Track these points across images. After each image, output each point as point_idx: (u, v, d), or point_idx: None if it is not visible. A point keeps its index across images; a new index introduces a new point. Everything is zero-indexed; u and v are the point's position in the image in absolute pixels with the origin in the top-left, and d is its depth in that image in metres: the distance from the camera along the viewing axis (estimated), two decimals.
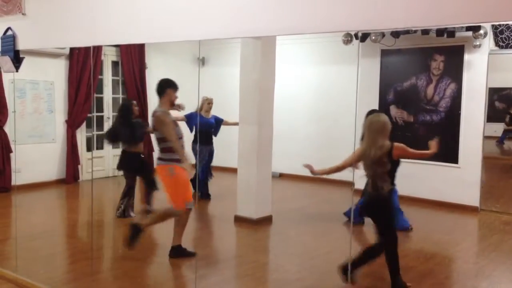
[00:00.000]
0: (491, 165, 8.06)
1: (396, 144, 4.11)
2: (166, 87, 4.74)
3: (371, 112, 5.06)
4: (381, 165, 4.05)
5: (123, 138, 6.22)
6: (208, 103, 7.48)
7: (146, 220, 4.93)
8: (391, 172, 4.12)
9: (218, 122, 7.58)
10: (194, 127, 7.25)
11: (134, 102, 6.55)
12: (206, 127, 7.39)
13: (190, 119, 7.25)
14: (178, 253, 4.79)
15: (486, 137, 7.28)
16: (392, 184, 4.17)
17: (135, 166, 6.26)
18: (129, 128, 6.10)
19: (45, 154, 8.30)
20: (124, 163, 6.29)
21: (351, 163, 4.28)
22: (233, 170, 6.78)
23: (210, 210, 7.26)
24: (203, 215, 6.79)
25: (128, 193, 6.29)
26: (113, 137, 6.40)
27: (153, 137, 6.08)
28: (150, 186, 6.19)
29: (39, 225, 5.97)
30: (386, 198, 4.14)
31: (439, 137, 4.61)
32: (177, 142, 4.62)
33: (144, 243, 5.40)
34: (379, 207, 4.18)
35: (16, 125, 7.22)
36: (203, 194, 7.46)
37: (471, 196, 7.18)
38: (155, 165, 4.85)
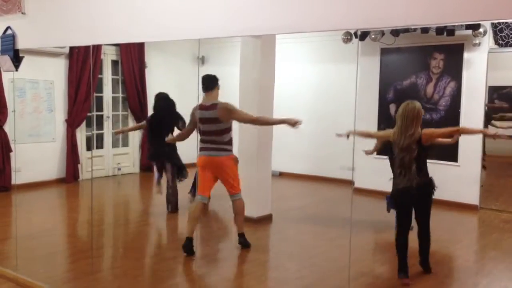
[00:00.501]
0: (491, 164, 8.05)
1: (424, 130, 4.26)
2: (217, 82, 5.01)
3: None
4: (409, 152, 4.22)
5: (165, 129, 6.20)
6: None
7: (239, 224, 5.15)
8: (420, 159, 4.29)
9: None
10: None
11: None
12: None
13: None
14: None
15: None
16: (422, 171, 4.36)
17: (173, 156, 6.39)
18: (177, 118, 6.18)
19: (45, 153, 8.30)
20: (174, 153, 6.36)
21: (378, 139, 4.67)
22: None
23: (210, 209, 7.26)
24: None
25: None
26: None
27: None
28: (180, 174, 6.44)
29: (39, 224, 5.98)
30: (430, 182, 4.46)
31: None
32: (261, 118, 5.23)
33: (144, 242, 5.41)
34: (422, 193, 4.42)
35: (16, 125, 7.22)
36: None
37: (471, 194, 7.18)
38: (216, 156, 4.89)
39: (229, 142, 4.94)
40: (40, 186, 8.05)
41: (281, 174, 9.48)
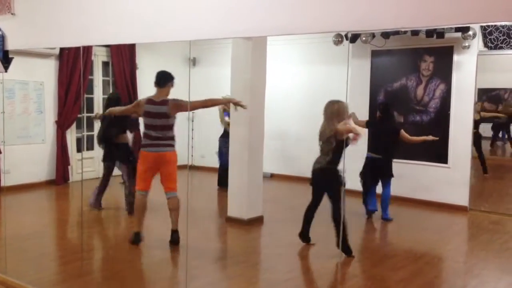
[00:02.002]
0: (480, 165, 8.12)
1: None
2: (170, 79, 5.08)
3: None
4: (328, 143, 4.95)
5: (119, 130, 6.37)
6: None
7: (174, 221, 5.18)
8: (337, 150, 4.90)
9: None
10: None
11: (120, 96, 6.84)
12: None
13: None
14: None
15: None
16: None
17: (126, 156, 6.45)
18: (123, 119, 6.23)
19: (34, 155, 8.25)
20: (115, 154, 6.43)
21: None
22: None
23: (202, 211, 7.25)
24: (195, 216, 6.77)
25: (106, 185, 6.58)
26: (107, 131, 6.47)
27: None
28: (133, 176, 6.37)
29: (28, 226, 5.93)
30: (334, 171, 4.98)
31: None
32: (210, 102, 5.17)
33: (134, 244, 5.39)
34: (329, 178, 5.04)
35: (5, 126, 7.15)
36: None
37: (460, 195, 7.23)
38: (161, 152, 5.00)
39: (174, 138, 5.07)
40: (29, 188, 7.99)
41: (272, 176, 9.49)
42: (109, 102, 6.49)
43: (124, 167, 6.45)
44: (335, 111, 5.02)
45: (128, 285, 4.28)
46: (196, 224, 6.01)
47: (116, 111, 5.65)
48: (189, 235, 4.98)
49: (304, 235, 5.33)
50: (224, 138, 7.84)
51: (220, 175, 8.24)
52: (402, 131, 6.46)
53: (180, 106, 4.96)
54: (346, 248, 4.92)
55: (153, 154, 4.99)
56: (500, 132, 8.73)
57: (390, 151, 6.49)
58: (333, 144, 4.92)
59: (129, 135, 7.05)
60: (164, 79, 5.07)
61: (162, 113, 4.93)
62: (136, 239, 5.15)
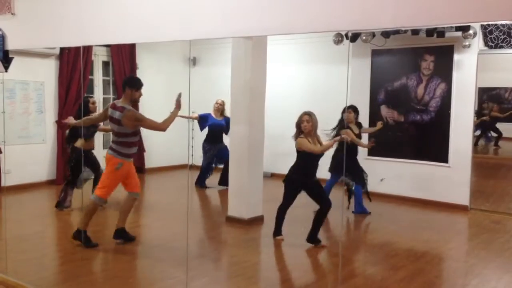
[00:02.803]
0: (481, 165, 8.12)
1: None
2: (125, 85, 5.05)
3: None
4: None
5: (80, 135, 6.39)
6: (216, 103, 8.16)
7: (81, 221, 5.21)
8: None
9: (229, 123, 7.72)
10: (205, 127, 8.17)
11: (92, 98, 6.79)
12: (214, 128, 8.13)
13: (201, 119, 8.06)
14: (121, 235, 5.30)
15: (476, 137, 7.35)
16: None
17: (89, 162, 6.64)
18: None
19: (35, 155, 8.25)
20: (79, 159, 6.42)
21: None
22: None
23: (202, 210, 7.25)
24: (194, 215, 6.78)
25: (71, 187, 6.71)
26: (72, 135, 6.56)
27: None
28: (97, 181, 6.48)
29: (29, 226, 5.93)
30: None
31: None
32: (166, 124, 5.02)
33: (134, 244, 5.39)
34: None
35: (6, 126, 7.15)
36: (203, 184, 8.32)
37: (461, 195, 7.22)
38: (105, 154, 5.14)
39: (123, 144, 5.02)
40: (30, 188, 8.00)
41: (273, 175, 9.48)
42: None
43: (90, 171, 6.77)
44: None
45: (129, 285, 4.28)
46: (196, 224, 6.01)
47: (84, 121, 5.74)
48: (189, 235, 4.98)
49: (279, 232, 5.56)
50: (204, 142, 8.21)
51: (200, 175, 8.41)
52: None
53: (135, 119, 4.92)
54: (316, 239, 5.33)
55: (109, 156, 5.09)
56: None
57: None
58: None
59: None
60: (124, 85, 5.08)
61: (117, 119, 4.94)
62: (79, 237, 5.14)
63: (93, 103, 6.51)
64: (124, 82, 5.12)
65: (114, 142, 5.05)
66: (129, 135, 5.01)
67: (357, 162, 6.71)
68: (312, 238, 5.33)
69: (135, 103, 5.19)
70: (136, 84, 5.05)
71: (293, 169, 5.60)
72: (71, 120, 5.84)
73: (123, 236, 5.30)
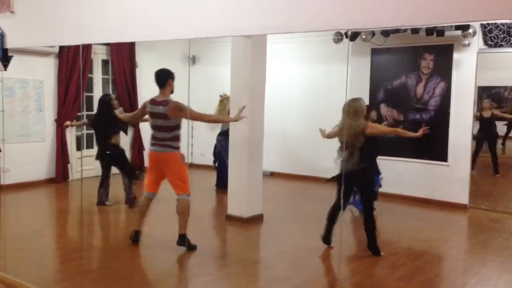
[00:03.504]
0: (480, 163, 8.12)
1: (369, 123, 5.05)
2: (168, 78, 4.95)
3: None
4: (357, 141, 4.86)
5: (107, 131, 6.57)
6: (220, 100, 8.09)
7: (181, 225, 5.04)
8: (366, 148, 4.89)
9: None
10: None
11: (113, 96, 6.99)
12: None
13: None
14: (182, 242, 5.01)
15: (475, 135, 7.35)
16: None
17: (116, 157, 6.71)
18: (113, 121, 6.34)
19: (34, 153, 8.25)
20: (105, 155, 6.66)
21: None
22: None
23: (201, 209, 7.25)
24: (194, 214, 6.78)
25: (104, 183, 6.77)
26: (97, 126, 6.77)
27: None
28: (131, 177, 6.74)
29: (28, 224, 5.93)
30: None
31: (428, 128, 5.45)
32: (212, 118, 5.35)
33: (134, 242, 5.39)
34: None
35: (5, 124, 7.14)
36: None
37: (460, 194, 7.23)
38: (161, 152, 4.93)
39: (176, 139, 4.96)
40: (29, 186, 7.99)
41: (272, 174, 9.49)
42: (103, 104, 6.70)
43: (118, 166, 6.77)
44: (359, 108, 4.99)
45: (128, 283, 4.28)
46: (196, 222, 6.01)
47: (127, 117, 5.68)
48: (189, 234, 4.98)
49: (327, 238, 5.17)
50: (223, 136, 7.86)
51: (219, 175, 8.16)
52: None
53: (180, 109, 4.86)
54: (374, 249, 4.98)
55: (153, 153, 4.95)
56: None
57: None
58: (362, 141, 4.89)
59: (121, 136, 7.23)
60: (163, 78, 4.97)
61: (162, 113, 4.86)
62: (135, 238, 5.15)
63: (112, 99, 6.71)
64: (165, 75, 4.95)
65: (164, 139, 4.89)
66: (177, 127, 4.93)
67: (371, 169, 5.58)
68: (374, 248, 5.01)
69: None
70: (174, 75, 5.03)
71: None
72: (121, 113, 5.69)
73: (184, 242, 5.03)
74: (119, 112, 5.66)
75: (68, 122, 7.63)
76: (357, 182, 5.05)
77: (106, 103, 6.59)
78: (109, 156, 6.64)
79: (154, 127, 4.95)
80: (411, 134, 5.39)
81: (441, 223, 6.61)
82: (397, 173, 7.66)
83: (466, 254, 5.38)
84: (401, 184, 7.60)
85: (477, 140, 7.74)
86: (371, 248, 4.98)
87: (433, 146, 7.47)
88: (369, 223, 4.98)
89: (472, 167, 7.43)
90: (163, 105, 4.86)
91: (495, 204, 7.39)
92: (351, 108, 4.94)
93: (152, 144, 4.97)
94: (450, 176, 7.32)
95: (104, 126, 6.56)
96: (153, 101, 4.93)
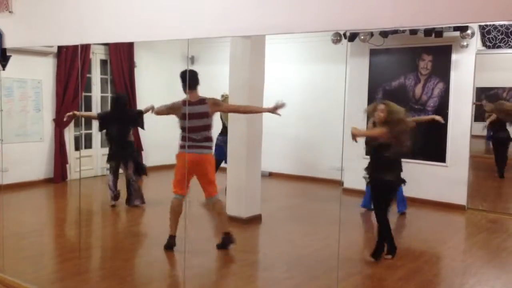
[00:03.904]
0: (478, 164, 8.12)
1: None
2: (198, 84, 4.97)
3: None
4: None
5: (122, 128, 6.58)
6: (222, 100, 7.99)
7: (225, 224, 5.13)
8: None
9: None
10: None
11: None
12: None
13: None
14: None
15: (473, 136, 7.35)
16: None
17: (133, 153, 6.78)
18: (127, 119, 6.48)
19: (32, 153, 8.23)
20: (121, 153, 6.65)
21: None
22: (223, 169, 6.78)
23: (200, 209, 7.24)
24: (193, 214, 6.77)
25: (115, 182, 6.75)
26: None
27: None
28: (141, 173, 6.84)
29: (26, 224, 5.92)
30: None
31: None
32: (248, 109, 5.25)
33: (133, 242, 5.38)
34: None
35: (3, 124, 7.12)
36: None
37: (458, 194, 7.23)
38: (200, 154, 4.84)
39: (210, 139, 4.95)
40: (27, 186, 7.97)
41: (271, 175, 9.48)
42: (117, 102, 6.72)
43: (131, 163, 6.68)
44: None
45: (126, 283, 4.28)
46: (194, 223, 6.01)
47: (160, 111, 5.25)
48: (186, 234, 4.98)
49: (378, 253, 4.93)
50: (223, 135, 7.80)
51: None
52: None
53: (218, 104, 4.92)
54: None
55: (192, 155, 4.81)
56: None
57: None
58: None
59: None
60: (195, 78, 4.93)
61: (203, 112, 4.80)
62: (171, 242, 4.98)
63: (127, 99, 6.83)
64: (197, 76, 4.96)
65: (201, 139, 4.82)
66: (211, 127, 4.91)
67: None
68: (389, 249, 4.94)
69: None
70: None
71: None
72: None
73: (229, 240, 5.10)
74: (152, 108, 5.62)
75: (76, 112, 7.51)
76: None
77: (122, 101, 6.64)
78: (123, 153, 6.62)
79: (190, 129, 4.79)
80: (428, 118, 5.45)
81: (439, 223, 6.62)
82: None
83: (465, 254, 5.39)
84: None
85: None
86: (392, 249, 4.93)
87: (432, 147, 7.47)
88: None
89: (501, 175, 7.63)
90: (201, 104, 4.82)
91: (493, 205, 7.40)
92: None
93: (189, 147, 4.80)
94: (448, 177, 7.33)
95: (118, 124, 6.54)
96: (189, 102, 4.79)
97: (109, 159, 6.78)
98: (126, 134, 6.63)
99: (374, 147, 4.81)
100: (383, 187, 4.82)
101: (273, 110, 4.89)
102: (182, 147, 4.88)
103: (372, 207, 5.30)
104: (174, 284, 4.34)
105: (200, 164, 4.86)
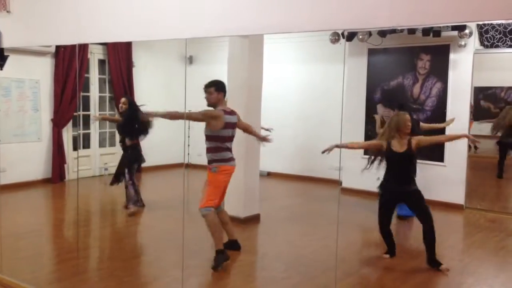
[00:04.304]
0: (476, 164, 8.13)
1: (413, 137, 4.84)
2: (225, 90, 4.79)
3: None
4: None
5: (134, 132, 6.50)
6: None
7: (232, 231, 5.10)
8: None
9: None
10: None
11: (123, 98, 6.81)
12: None
13: None
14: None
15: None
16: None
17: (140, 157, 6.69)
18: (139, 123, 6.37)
19: (30, 153, 8.22)
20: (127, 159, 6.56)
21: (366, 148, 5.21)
22: None
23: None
24: (190, 214, 6.77)
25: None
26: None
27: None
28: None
29: (24, 224, 5.91)
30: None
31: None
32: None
33: (131, 243, 5.38)
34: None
35: (1, 124, 7.14)
36: None
37: (457, 194, 7.24)
38: (226, 166, 4.69)
39: (231, 149, 4.82)
40: (25, 186, 7.96)
41: (269, 174, 9.49)
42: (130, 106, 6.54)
43: (136, 167, 6.61)
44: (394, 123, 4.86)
45: (124, 283, 4.27)
46: (192, 223, 6.01)
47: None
48: (185, 233, 4.97)
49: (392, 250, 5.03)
50: None
51: None
52: None
53: (239, 118, 4.86)
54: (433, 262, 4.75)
55: (233, 168, 4.77)
56: None
57: None
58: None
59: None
60: (225, 89, 4.78)
61: (235, 123, 4.75)
62: (226, 257, 4.70)
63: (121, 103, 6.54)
64: (224, 87, 4.76)
65: (228, 149, 4.71)
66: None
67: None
68: (430, 261, 4.75)
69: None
70: None
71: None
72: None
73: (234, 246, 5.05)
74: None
75: (98, 116, 7.45)
76: (403, 201, 4.99)
77: (135, 105, 6.52)
78: (130, 156, 6.54)
79: (227, 139, 4.69)
80: (459, 135, 5.23)
81: (437, 223, 6.56)
82: None
83: (462, 254, 5.39)
84: None
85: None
86: (430, 261, 4.73)
87: (430, 146, 7.47)
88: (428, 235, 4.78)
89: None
90: (233, 115, 4.73)
91: (491, 204, 7.40)
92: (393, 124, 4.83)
93: (230, 158, 4.73)
94: (447, 176, 7.34)
95: (132, 128, 6.44)
96: (226, 111, 4.66)
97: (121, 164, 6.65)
98: (135, 138, 6.53)
99: (396, 159, 4.81)
100: (400, 197, 4.92)
101: (263, 139, 5.10)
102: (223, 160, 4.67)
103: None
104: (172, 284, 4.34)
105: (231, 175, 4.82)
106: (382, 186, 4.98)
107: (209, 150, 4.68)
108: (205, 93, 4.71)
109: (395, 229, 6.15)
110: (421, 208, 4.80)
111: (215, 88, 4.67)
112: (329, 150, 4.72)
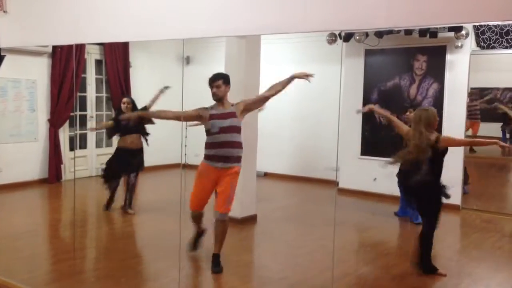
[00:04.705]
0: (472, 164, 8.16)
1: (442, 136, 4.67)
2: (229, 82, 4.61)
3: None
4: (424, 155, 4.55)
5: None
6: None
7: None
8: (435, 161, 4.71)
9: None
10: None
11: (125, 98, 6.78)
12: None
13: None
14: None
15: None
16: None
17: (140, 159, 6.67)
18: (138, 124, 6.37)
19: (27, 154, 8.20)
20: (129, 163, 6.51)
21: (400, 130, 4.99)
22: None
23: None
24: (187, 214, 6.77)
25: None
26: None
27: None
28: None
29: (21, 225, 5.90)
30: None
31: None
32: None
33: (128, 243, 5.37)
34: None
35: None
36: None
37: (453, 194, 7.20)
38: (233, 166, 4.65)
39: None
40: (22, 187, 7.95)
41: (266, 175, 9.49)
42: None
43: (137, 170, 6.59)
44: (424, 118, 4.61)
45: (121, 284, 4.27)
46: (189, 223, 6.00)
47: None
48: (182, 234, 4.97)
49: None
50: None
51: None
52: None
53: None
54: (427, 267, 4.59)
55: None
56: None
57: None
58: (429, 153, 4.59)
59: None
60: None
61: (230, 126, 4.67)
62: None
63: (124, 103, 6.53)
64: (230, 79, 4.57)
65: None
66: None
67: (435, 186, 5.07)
68: (423, 265, 4.57)
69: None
70: None
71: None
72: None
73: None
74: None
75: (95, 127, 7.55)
76: (417, 198, 4.89)
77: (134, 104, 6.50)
78: (131, 158, 6.50)
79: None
80: (489, 142, 4.86)
81: None
82: (390, 174, 7.68)
83: (459, 254, 5.41)
84: (394, 184, 7.59)
85: None
86: (422, 265, 4.57)
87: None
88: (425, 241, 4.63)
89: None
90: (228, 118, 4.62)
91: (487, 204, 7.42)
92: (423, 119, 4.59)
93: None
94: (443, 177, 7.33)
95: (131, 129, 6.42)
96: (217, 115, 4.62)
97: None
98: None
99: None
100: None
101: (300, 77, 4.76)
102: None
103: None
104: (169, 284, 4.33)
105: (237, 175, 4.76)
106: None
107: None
108: (212, 87, 4.46)
109: (407, 234, 6.17)
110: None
111: (223, 81, 4.47)
112: (365, 111, 4.94)
